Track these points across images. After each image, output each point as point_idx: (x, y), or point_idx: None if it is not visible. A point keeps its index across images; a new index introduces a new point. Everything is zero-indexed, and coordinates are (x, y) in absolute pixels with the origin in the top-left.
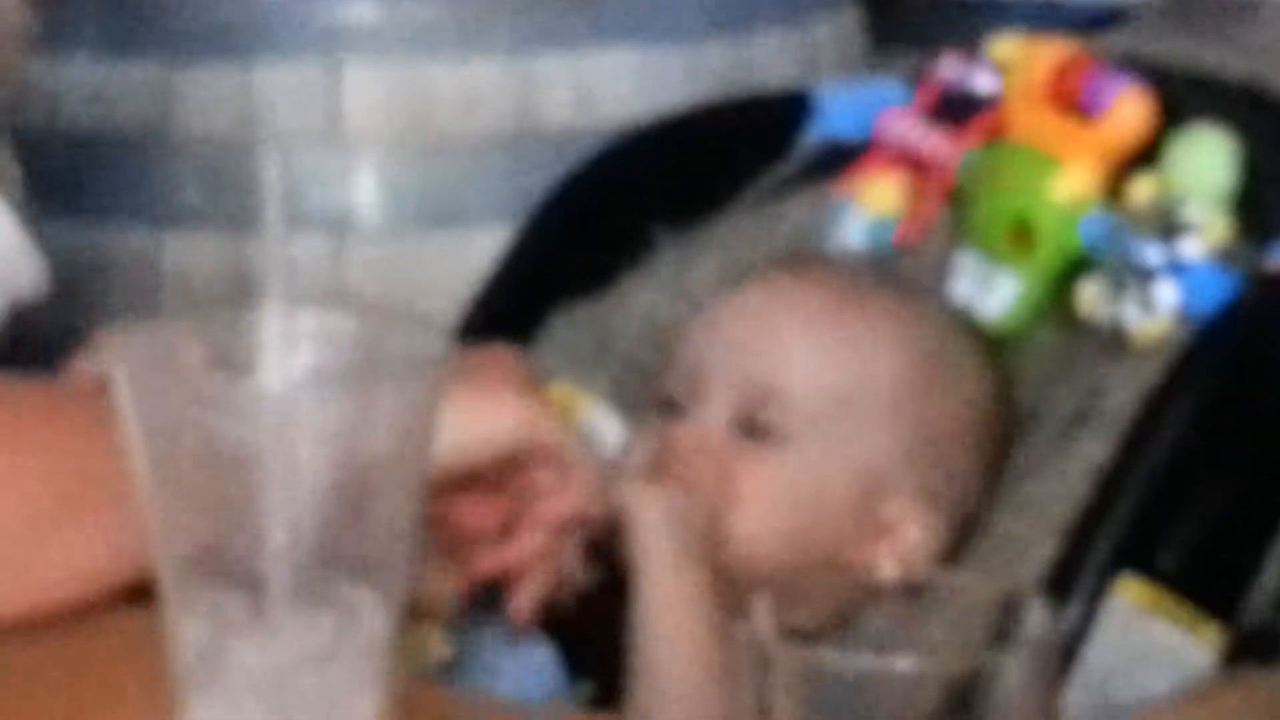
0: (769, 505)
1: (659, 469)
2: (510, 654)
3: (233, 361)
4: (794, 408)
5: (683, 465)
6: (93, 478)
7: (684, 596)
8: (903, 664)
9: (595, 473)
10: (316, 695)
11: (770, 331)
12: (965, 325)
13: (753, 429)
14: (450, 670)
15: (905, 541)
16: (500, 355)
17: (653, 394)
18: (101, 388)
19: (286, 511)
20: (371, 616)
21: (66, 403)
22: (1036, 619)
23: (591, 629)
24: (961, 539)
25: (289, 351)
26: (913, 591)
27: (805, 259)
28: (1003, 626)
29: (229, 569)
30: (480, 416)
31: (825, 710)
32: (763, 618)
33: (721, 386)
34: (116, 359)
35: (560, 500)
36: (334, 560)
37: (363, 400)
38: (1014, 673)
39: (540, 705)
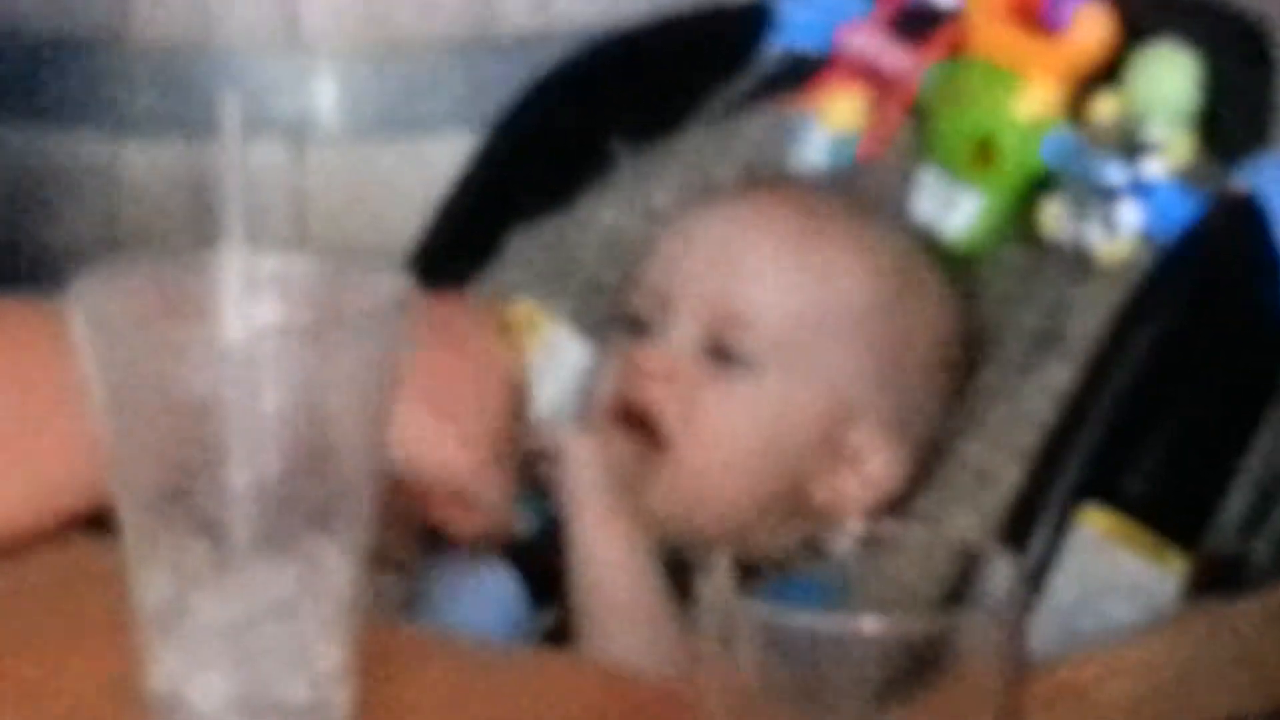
0: (733, 433)
1: (625, 393)
2: (472, 583)
3: (193, 308)
4: (761, 333)
5: (648, 390)
6: (51, 397)
7: (616, 536)
8: (869, 625)
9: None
10: (280, 644)
11: (737, 256)
12: (928, 246)
13: (719, 353)
14: (412, 601)
15: (871, 470)
16: (464, 307)
17: (618, 309)
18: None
19: (248, 460)
20: (335, 566)
21: (28, 316)
22: (1001, 575)
23: (552, 558)
24: (927, 464)
25: (250, 298)
26: (876, 539)
27: (770, 180)
28: (966, 576)
29: (191, 518)
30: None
31: (789, 665)
32: (723, 574)
33: (688, 308)
34: (76, 305)
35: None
36: (296, 509)
37: (325, 349)
38: (978, 631)
39: (500, 642)
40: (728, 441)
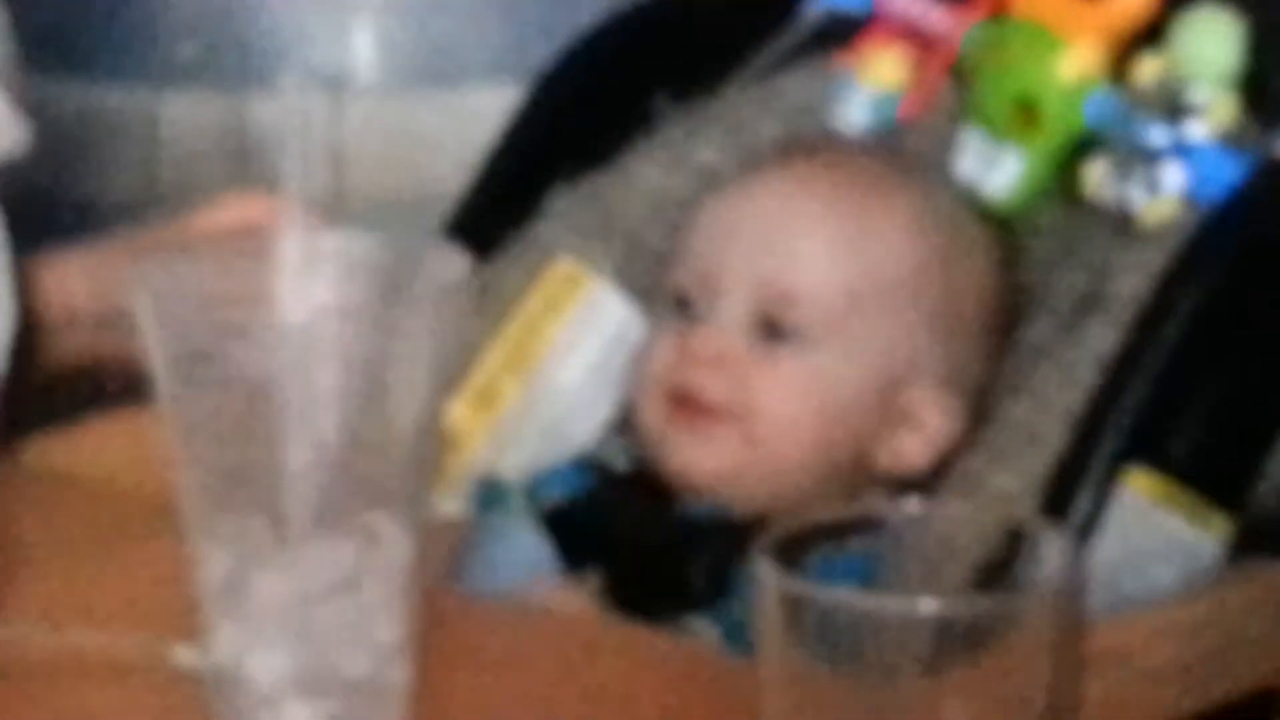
0: (792, 410)
1: (677, 377)
2: (504, 550)
3: (253, 288)
4: (811, 307)
5: (701, 374)
6: None
7: None
8: (924, 605)
9: None
10: (340, 620)
11: (781, 231)
12: (971, 206)
13: (771, 331)
14: (452, 568)
15: (928, 429)
16: None
17: (665, 288)
18: None
19: (307, 439)
20: (393, 541)
21: None
22: (1054, 550)
23: (586, 523)
24: (974, 425)
25: (309, 278)
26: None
27: (810, 144)
28: (1013, 545)
29: (251, 497)
30: None
31: (844, 643)
32: (777, 552)
33: (735, 288)
34: (139, 289)
35: None
36: (355, 486)
37: (384, 328)
38: (1034, 609)
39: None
40: (785, 419)
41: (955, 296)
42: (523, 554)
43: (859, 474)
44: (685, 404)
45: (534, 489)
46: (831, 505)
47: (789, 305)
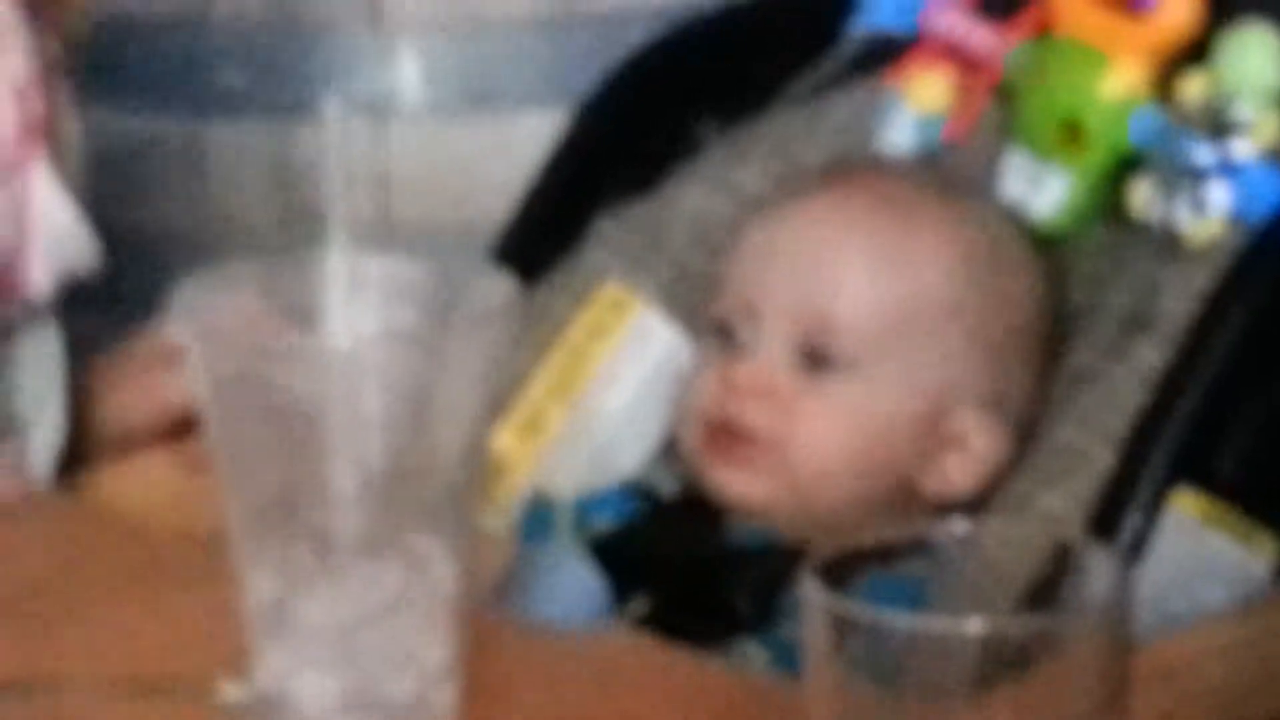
0: (837, 438)
1: (720, 409)
2: (553, 578)
3: (300, 313)
4: (854, 334)
5: (744, 405)
6: None
7: None
8: (972, 626)
9: None
10: (386, 644)
11: (823, 260)
12: (1016, 226)
13: (814, 359)
14: (499, 595)
15: (974, 451)
16: None
17: (708, 317)
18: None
19: (353, 465)
20: (439, 565)
21: None
22: (1102, 570)
23: (635, 550)
24: (1020, 447)
25: (356, 303)
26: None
27: (852, 168)
28: (1061, 566)
29: (297, 522)
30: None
31: (891, 664)
32: (825, 573)
33: (777, 317)
34: (182, 313)
35: None
36: (400, 511)
37: (430, 353)
38: (1081, 630)
39: (599, 631)
40: (832, 448)
41: (999, 317)
42: (572, 584)
43: (905, 499)
44: (727, 433)
45: (581, 513)
46: (878, 528)
47: (831, 334)
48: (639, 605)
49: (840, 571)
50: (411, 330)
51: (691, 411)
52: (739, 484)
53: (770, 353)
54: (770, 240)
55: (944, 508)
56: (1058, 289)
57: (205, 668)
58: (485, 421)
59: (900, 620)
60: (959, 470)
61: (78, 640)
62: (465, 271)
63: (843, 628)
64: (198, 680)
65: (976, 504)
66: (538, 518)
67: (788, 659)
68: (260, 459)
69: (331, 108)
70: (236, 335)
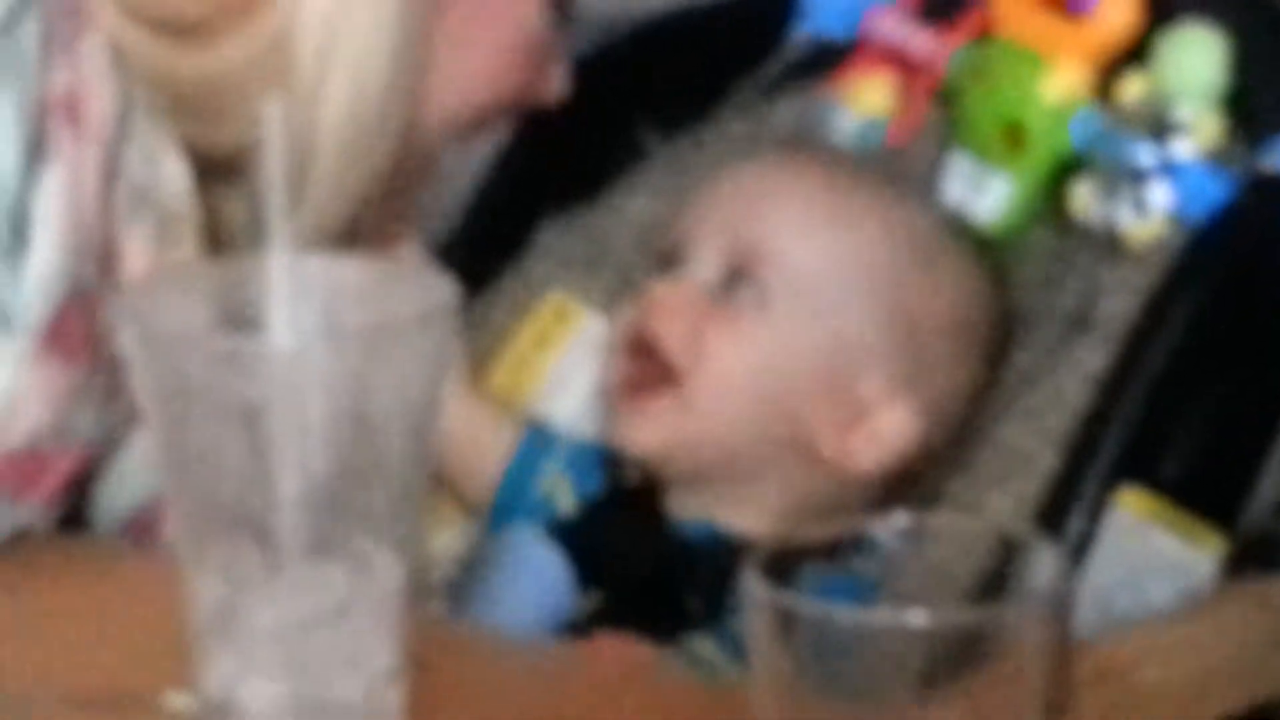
0: (739, 370)
1: (637, 323)
2: (519, 563)
3: (242, 315)
4: (776, 267)
5: (659, 321)
6: None
7: None
8: (915, 619)
9: None
10: (333, 646)
11: (766, 198)
12: (955, 226)
13: (735, 279)
14: (461, 583)
15: (880, 426)
16: None
17: (656, 253)
18: None
19: (297, 466)
20: (384, 567)
21: None
22: (1045, 564)
23: (596, 539)
24: (962, 447)
25: (298, 304)
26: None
27: (806, 147)
28: (1006, 562)
29: (242, 524)
30: None
31: (835, 659)
32: (767, 568)
33: (711, 242)
34: (124, 315)
35: None
36: (346, 513)
37: (373, 354)
38: (1024, 623)
39: (546, 637)
40: (730, 373)
41: (924, 302)
42: (535, 567)
43: (803, 459)
44: (643, 355)
45: (571, 460)
46: (784, 488)
47: (757, 260)
48: (592, 600)
49: (783, 566)
50: (353, 329)
51: (616, 338)
52: (641, 433)
53: (696, 275)
54: (717, 185)
55: (846, 486)
56: (1000, 292)
57: (155, 682)
58: (431, 423)
59: (844, 614)
60: (861, 441)
61: (27, 656)
62: (406, 271)
63: (786, 622)
64: (146, 692)
65: (892, 497)
66: (539, 436)
67: (740, 653)
68: (205, 462)
69: (270, 109)
70: (177, 335)
